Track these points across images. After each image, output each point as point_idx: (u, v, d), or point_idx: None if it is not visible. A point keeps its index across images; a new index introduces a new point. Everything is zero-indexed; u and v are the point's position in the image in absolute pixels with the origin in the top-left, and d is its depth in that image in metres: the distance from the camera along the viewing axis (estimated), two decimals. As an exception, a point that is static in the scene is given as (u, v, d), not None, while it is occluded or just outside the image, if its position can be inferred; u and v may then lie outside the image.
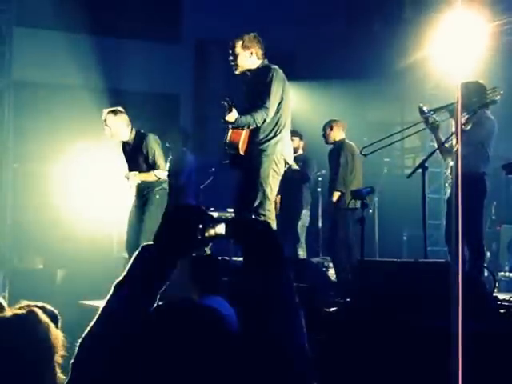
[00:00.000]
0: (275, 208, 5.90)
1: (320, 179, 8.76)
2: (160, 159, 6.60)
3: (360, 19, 11.41)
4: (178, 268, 1.57)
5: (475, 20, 7.86)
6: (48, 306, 2.22)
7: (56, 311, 2.27)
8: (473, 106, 5.59)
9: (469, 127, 5.59)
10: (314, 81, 10.70)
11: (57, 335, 1.95)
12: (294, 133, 8.01)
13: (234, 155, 5.47)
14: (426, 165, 5.48)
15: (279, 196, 7.08)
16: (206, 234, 1.54)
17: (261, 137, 5.37)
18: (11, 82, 9.45)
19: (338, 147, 7.55)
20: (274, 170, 5.35)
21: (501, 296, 4.92)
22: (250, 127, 5.34)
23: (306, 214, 8.36)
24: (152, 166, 6.56)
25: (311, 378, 1.48)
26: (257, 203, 5.30)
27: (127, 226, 6.66)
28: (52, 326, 1.97)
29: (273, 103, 5.32)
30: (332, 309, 4.48)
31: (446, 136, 5.82)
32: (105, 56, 10.57)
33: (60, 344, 1.93)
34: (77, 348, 1.48)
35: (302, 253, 8.15)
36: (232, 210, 6.55)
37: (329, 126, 7.64)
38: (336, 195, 7.31)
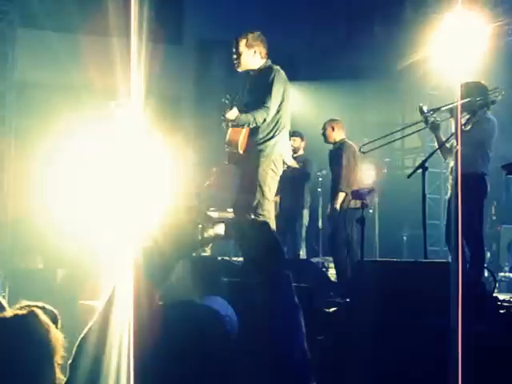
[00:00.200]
0: (275, 208, 5.90)
1: (320, 179, 8.76)
2: (161, 159, 6.62)
3: (360, 20, 11.41)
4: (179, 268, 1.57)
5: (475, 21, 7.87)
6: (48, 306, 2.22)
7: (56, 311, 2.27)
8: (473, 106, 5.59)
9: (469, 127, 5.59)
10: (314, 81, 10.70)
11: (57, 336, 1.95)
12: (295, 133, 8.02)
13: (232, 153, 5.47)
14: (426, 165, 5.48)
15: (278, 196, 7.08)
16: (206, 235, 1.55)
17: (260, 137, 5.37)
18: (13, 83, 9.46)
19: (340, 148, 7.55)
20: (272, 170, 5.35)
21: (501, 296, 4.93)
22: (250, 126, 5.34)
23: (305, 214, 8.36)
24: (154, 163, 6.58)
25: (310, 378, 1.48)
26: (255, 203, 5.29)
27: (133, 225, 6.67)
28: (52, 326, 1.98)
29: (273, 103, 5.33)
30: (332, 309, 4.48)
31: (446, 136, 5.82)
32: (106, 57, 10.57)
33: (60, 344, 1.93)
34: (74, 348, 1.48)
35: (301, 253, 8.15)
36: (231, 210, 6.55)
37: (330, 125, 7.63)
38: (341, 196, 7.31)
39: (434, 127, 5.77)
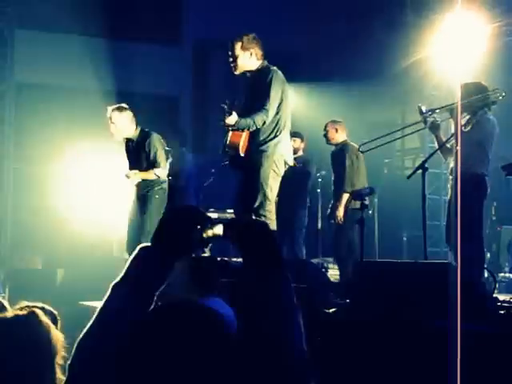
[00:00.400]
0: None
1: (320, 180, 8.76)
2: (161, 158, 6.62)
3: (361, 20, 11.41)
4: (177, 268, 1.57)
5: (474, 22, 7.87)
6: (47, 307, 2.22)
7: (55, 312, 2.27)
8: (473, 107, 5.59)
9: (468, 128, 5.59)
10: (314, 82, 10.70)
11: (57, 336, 1.95)
12: (296, 134, 8.02)
13: (233, 156, 5.47)
14: (426, 166, 5.48)
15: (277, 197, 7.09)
16: (204, 235, 1.55)
17: (261, 138, 5.37)
18: (13, 84, 9.47)
19: (342, 149, 7.58)
20: (273, 170, 5.35)
21: (501, 297, 4.93)
22: (250, 129, 5.34)
23: (304, 215, 8.36)
24: (153, 165, 6.58)
25: (310, 379, 1.48)
26: (257, 204, 5.30)
27: (128, 226, 6.68)
28: (53, 327, 1.98)
29: (272, 105, 5.32)
30: (331, 310, 4.48)
31: (446, 136, 5.82)
32: (105, 58, 10.58)
33: (60, 345, 1.93)
34: (74, 349, 1.48)
35: (301, 253, 8.15)
36: (232, 210, 6.55)
37: (333, 127, 7.66)
38: (345, 197, 7.34)
39: (434, 127, 5.77)
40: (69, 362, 1.48)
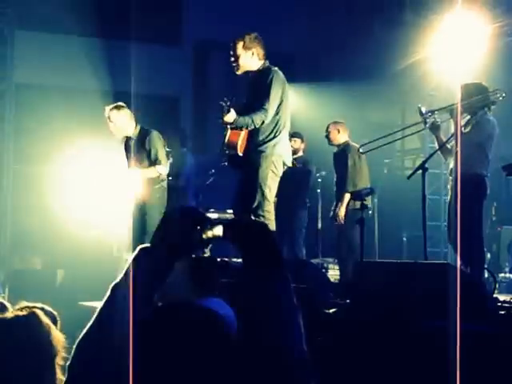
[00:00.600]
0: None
1: (319, 180, 8.76)
2: (162, 155, 6.61)
3: (360, 20, 11.41)
4: (177, 269, 1.57)
5: (475, 22, 7.87)
6: (47, 307, 2.22)
7: (55, 312, 2.27)
8: (473, 107, 5.59)
9: (468, 129, 5.59)
10: (314, 82, 10.70)
11: (58, 337, 1.95)
12: (296, 134, 8.03)
13: (232, 156, 5.47)
14: (426, 166, 5.48)
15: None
16: (204, 236, 1.54)
17: (260, 138, 5.36)
18: (12, 84, 9.47)
19: (344, 149, 7.61)
20: (272, 171, 5.35)
21: (501, 297, 4.93)
22: (249, 128, 5.33)
23: (304, 215, 8.36)
24: (154, 163, 6.57)
25: (310, 379, 1.48)
26: (255, 204, 5.30)
27: (130, 227, 6.68)
28: (53, 327, 1.98)
29: (272, 105, 5.32)
30: (331, 310, 4.48)
31: (446, 136, 5.82)
32: (105, 58, 10.58)
33: (61, 346, 1.93)
34: (73, 350, 1.48)
35: (301, 254, 8.15)
36: (231, 210, 6.55)
37: (336, 127, 7.68)
38: (347, 197, 7.35)
39: (434, 128, 5.77)
40: (68, 363, 1.47)
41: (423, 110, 5.75)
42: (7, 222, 9.37)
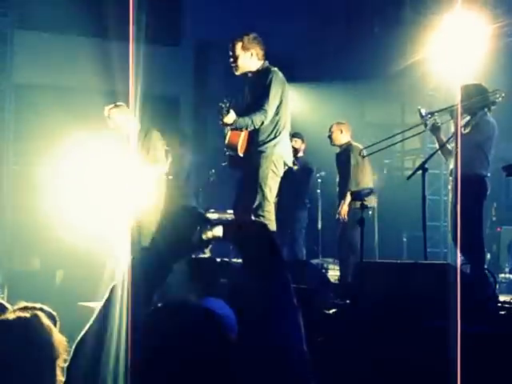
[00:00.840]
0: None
1: (319, 180, 8.76)
2: (161, 155, 6.60)
3: (360, 20, 11.41)
4: (177, 269, 1.56)
5: (475, 22, 7.87)
6: (46, 308, 2.21)
7: (54, 313, 2.26)
8: (473, 108, 5.59)
9: (467, 130, 5.59)
10: (313, 82, 10.70)
11: (60, 339, 1.95)
12: (296, 134, 8.03)
13: (233, 156, 5.46)
14: (426, 166, 5.48)
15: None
16: (204, 237, 1.54)
17: (260, 138, 5.36)
18: (12, 84, 9.47)
19: (347, 149, 7.62)
20: (273, 171, 5.34)
21: (501, 298, 4.92)
22: (248, 129, 5.33)
23: (304, 215, 8.35)
24: (152, 162, 6.56)
25: (310, 380, 1.47)
26: (256, 204, 5.29)
27: (131, 227, 6.68)
28: (55, 330, 1.97)
29: (271, 106, 5.31)
30: (331, 310, 4.47)
31: (447, 137, 5.82)
32: (105, 58, 10.58)
33: (62, 348, 1.93)
34: (72, 351, 1.47)
35: (300, 254, 8.15)
36: (231, 211, 6.55)
37: (339, 128, 7.70)
38: (350, 196, 7.36)
39: (435, 129, 5.78)
40: (67, 364, 1.47)
41: (423, 111, 5.75)
42: (7, 223, 9.37)
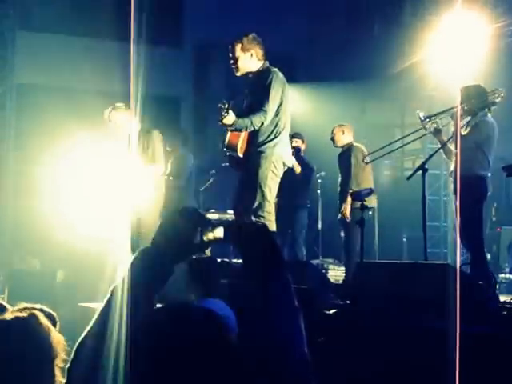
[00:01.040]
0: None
1: (319, 181, 8.76)
2: (158, 155, 6.59)
3: (360, 21, 11.41)
4: (177, 270, 1.56)
5: (475, 22, 7.86)
6: (46, 308, 2.21)
7: (54, 313, 2.26)
8: (473, 109, 5.59)
9: (466, 131, 5.59)
10: (313, 83, 10.70)
11: (58, 339, 1.95)
12: (296, 135, 8.03)
13: (232, 157, 5.46)
14: (426, 167, 5.48)
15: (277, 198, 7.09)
16: (205, 238, 1.54)
17: (260, 139, 5.36)
18: (13, 85, 9.49)
19: (348, 149, 7.64)
20: (272, 171, 5.34)
21: (501, 298, 4.92)
22: (248, 130, 5.33)
23: (304, 216, 8.36)
24: (151, 162, 6.55)
25: (311, 380, 1.48)
26: (256, 205, 5.29)
27: (130, 227, 6.67)
28: (53, 329, 1.97)
29: (271, 106, 5.31)
30: (332, 311, 4.47)
31: (448, 137, 5.82)
32: (106, 59, 10.58)
33: (61, 348, 1.93)
34: (73, 352, 1.48)
35: (300, 254, 8.15)
36: (231, 211, 6.55)
37: (341, 129, 7.72)
38: (350, 196, 7.37)
39: (437, 133, 5.78)
40: (68, 365, 1.47)
41: (421, 115, 5.76)
42: (7, 223, 9.37)
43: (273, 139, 5.37)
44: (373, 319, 4.09)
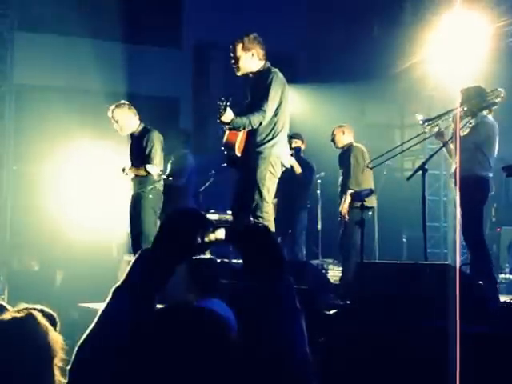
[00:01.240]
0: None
1: (319, 181, 8.76)
2: (155, 155, 6.57)
3: (360, 21, 11.41)
4: (178, 270, 1.56)
5: (476, 22, 7.85)
6: (46, 309, 2.21)
7: (54, 313, 2.26)
8: (474, 110, 5.59)
9: (466, 132, 5.59)
10: (313, 83, 10.70)
11: (56, 338, 1.95)
12: (296, 135, 8.03)
13: (230, 156, 5.46)
14: (426, 167, 5.48)
15: (276, 198, 7.09)
16: (206, 239, 1.53)
17: (258, 139, 5.35)
18: (12, 86, 9.48)
19: (348, 149, 7.64)
20: (270, 172, 5.33)
21: (501, 298, 4.93)
22: (246, 129, 5.32)
23: (304, 216, 8.35)
24: (147, 161, 6.53)
25: (312, 380, 1.47)
26: (254, 205, 5.28)
27: (129, 227, 6.68)
28: (51, 329, 1.97)
29: (270, 106, 5.30)
30: (332, 311, 4.47)
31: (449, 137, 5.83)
32: (105, 60, 10.58)
33: (59, 347, 1.92)
34: (74, 353, 1.47)
35: (300, 255, 8.15)
36: (230, 211, 6.54)
37: (341, 130, 7.73)
38: (350, 194, 7.37)
39: (439, 135, 5.78)
40: (69, 366, 1.47)
41: (420, 118, 5.76)
42: (6, 223, 9.37)
43: (271, 139, 5.36)
44: (373, 319, 4.09)
